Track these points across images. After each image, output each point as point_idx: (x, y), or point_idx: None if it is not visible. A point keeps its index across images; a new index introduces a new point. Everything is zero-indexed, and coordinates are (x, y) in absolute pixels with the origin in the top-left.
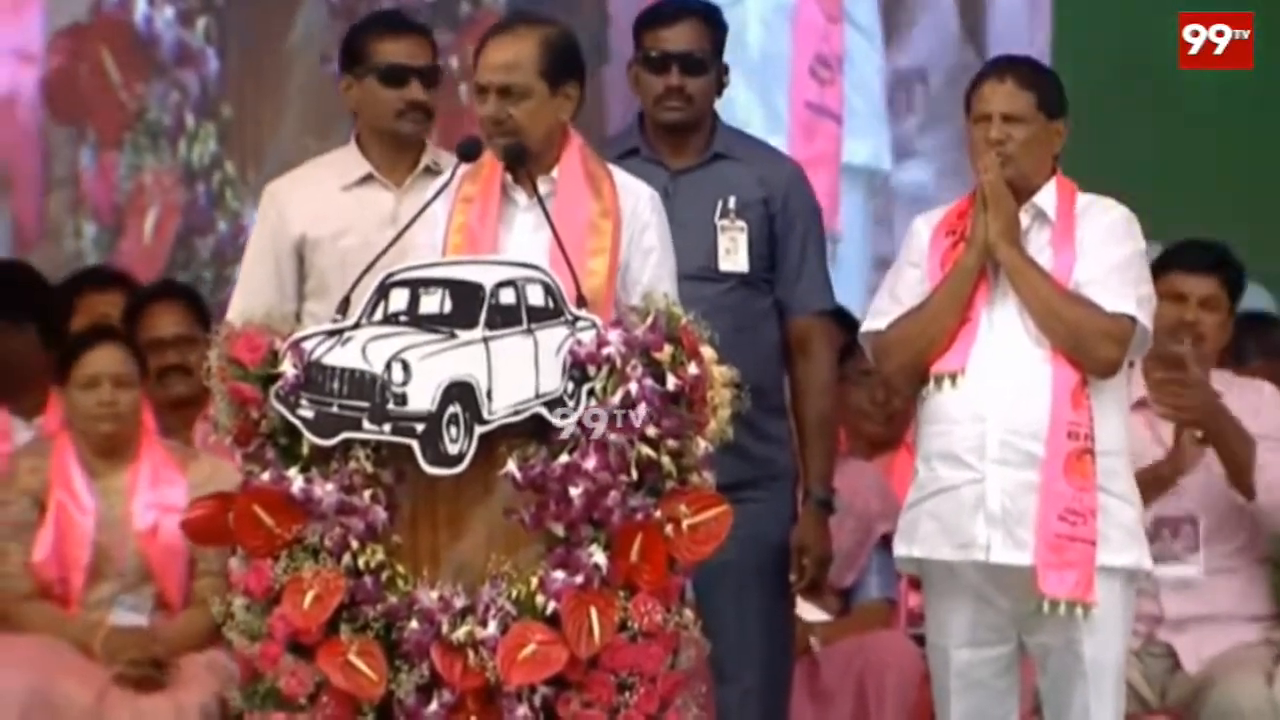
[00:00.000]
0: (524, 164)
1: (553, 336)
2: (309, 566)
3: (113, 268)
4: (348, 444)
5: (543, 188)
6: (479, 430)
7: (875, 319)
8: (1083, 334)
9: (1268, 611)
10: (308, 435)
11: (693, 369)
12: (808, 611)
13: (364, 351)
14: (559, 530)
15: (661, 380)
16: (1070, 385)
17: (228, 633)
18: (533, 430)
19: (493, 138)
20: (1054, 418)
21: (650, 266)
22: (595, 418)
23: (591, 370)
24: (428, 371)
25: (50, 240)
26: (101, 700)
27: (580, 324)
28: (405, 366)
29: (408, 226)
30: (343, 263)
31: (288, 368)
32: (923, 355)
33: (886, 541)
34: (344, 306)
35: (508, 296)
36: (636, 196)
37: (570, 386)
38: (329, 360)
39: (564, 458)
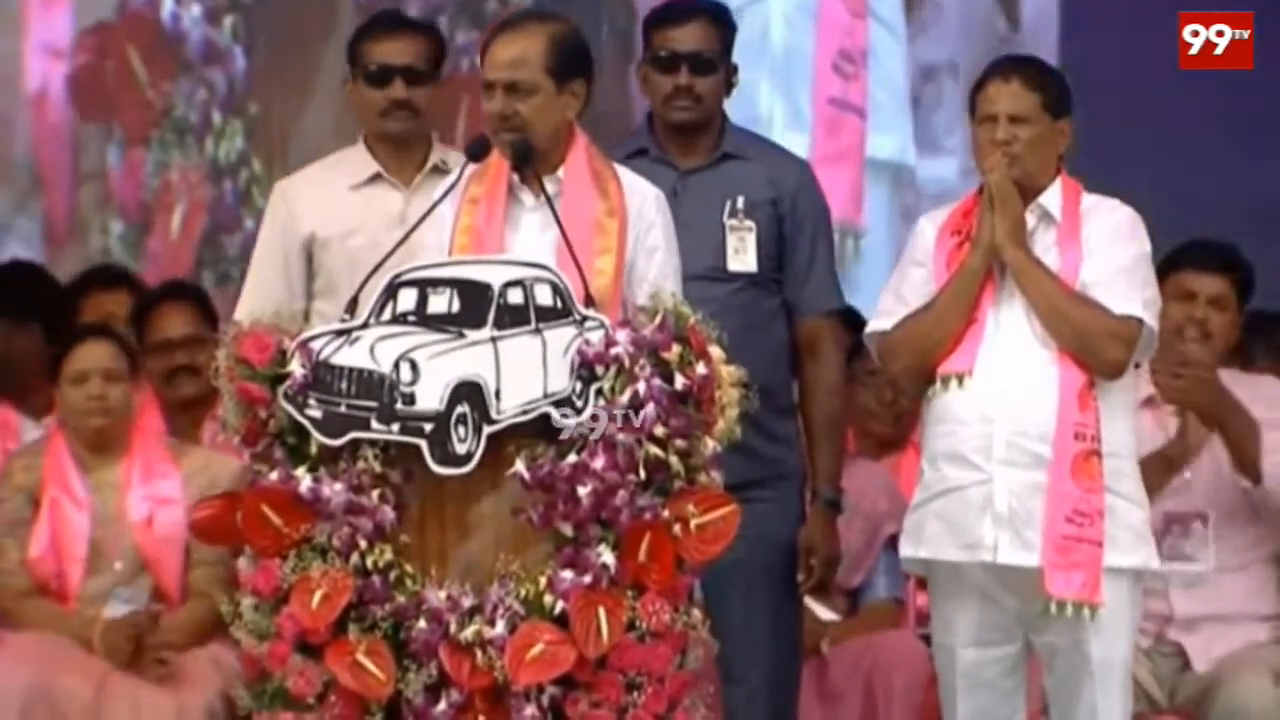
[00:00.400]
0: (531, 163)
1: (561, 336)
2: (317, 566)
3: (120, 267)
4: (356, 444)
5: (549, 187)
6: (487, 430)
7: (881, 319)
8: (1089, 335)
9: (1277, 611)
10: (316, 435)
11: (701, 369)
12: (822, 611)
13: (372, 351)
14: (567, 530)
15: (670, 380)
16: (1077, 386)
17: (235, 632)
18: (541, 430)
19: (499, 134)
20: (1061, 419)
21: (655, 265)
22: (599, 417)
23: (600, 370)
24: (436, 371)
25: (80, 237)
26: (101, 695)
27: (588, 324)
28: (413, 366)
29: (415, 227)
30: (351, 262)
31: (296, 367)
32: (929, 356)
33: (894, 541)
34: (352, 306)
35: (516, 296)
36: (642, 196)
37: (578, 386)
38: (337, 360)
39: (572, 457)
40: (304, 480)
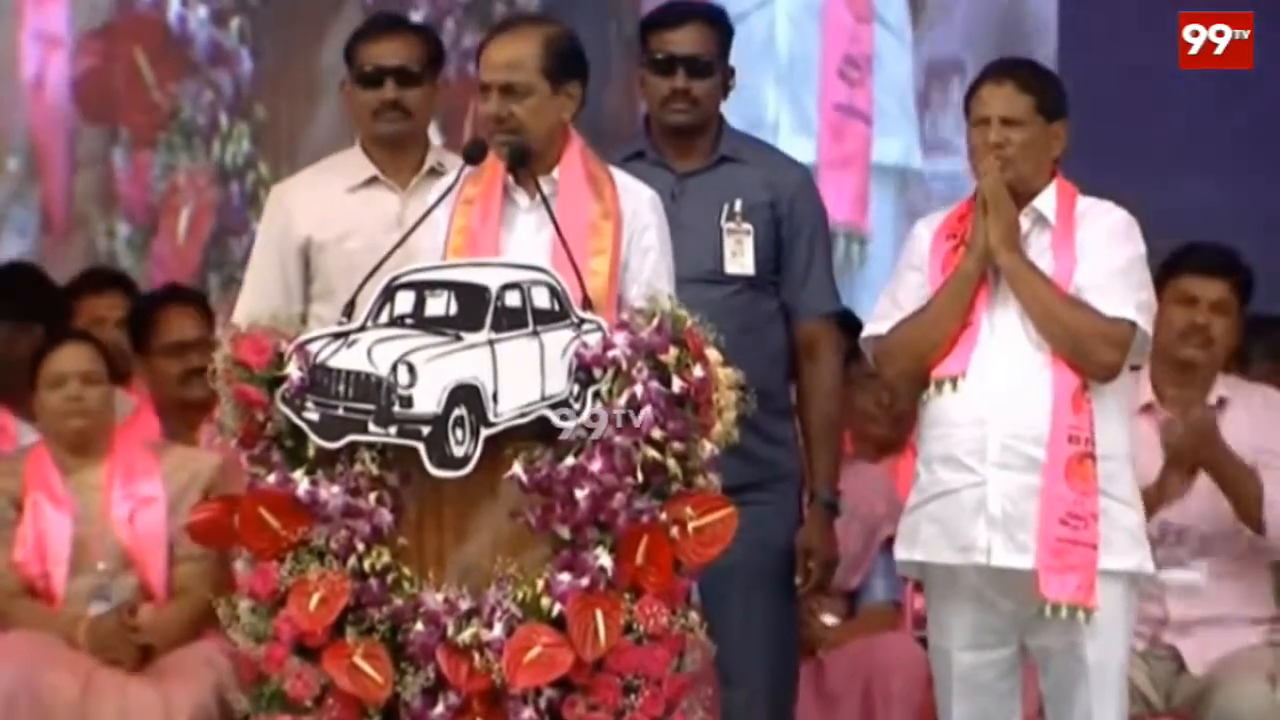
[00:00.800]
0: (526, 165)
1: (558, 339)
2: (315, 569)
3: (112, 270)
4: (353, 446)
5: (544, 188)
6: (485, 433)
7: (877, 323)
8: (1082, 338)
9: (1272, 614)
10: (313, 438)
11: (698, 371)
12: (827, 615)
13: (370, 354)
14: (565, 533)
15: (667, 383)
16: (1071, 389)
17: (232, 634)
18: (538, 433)
19: (494, 135)
20: (1055, 422)
21: (648, 265)
22: (600, 420)
23: (597, 373)
24: (433, 374)
25: (78, 229)
26: (88, 693)
27: (586, 326)
28: (411, 369)
29: (412, 230)
30: (349, 265)
31: (293, 370)
32: (924, 360)
33: (892, 544)
34: (349, 309)
35: (513, 299)
36: (637, 198)
37: (576, 389)
38: (335, 363)
39: (570, 460)
40: (301, 483)
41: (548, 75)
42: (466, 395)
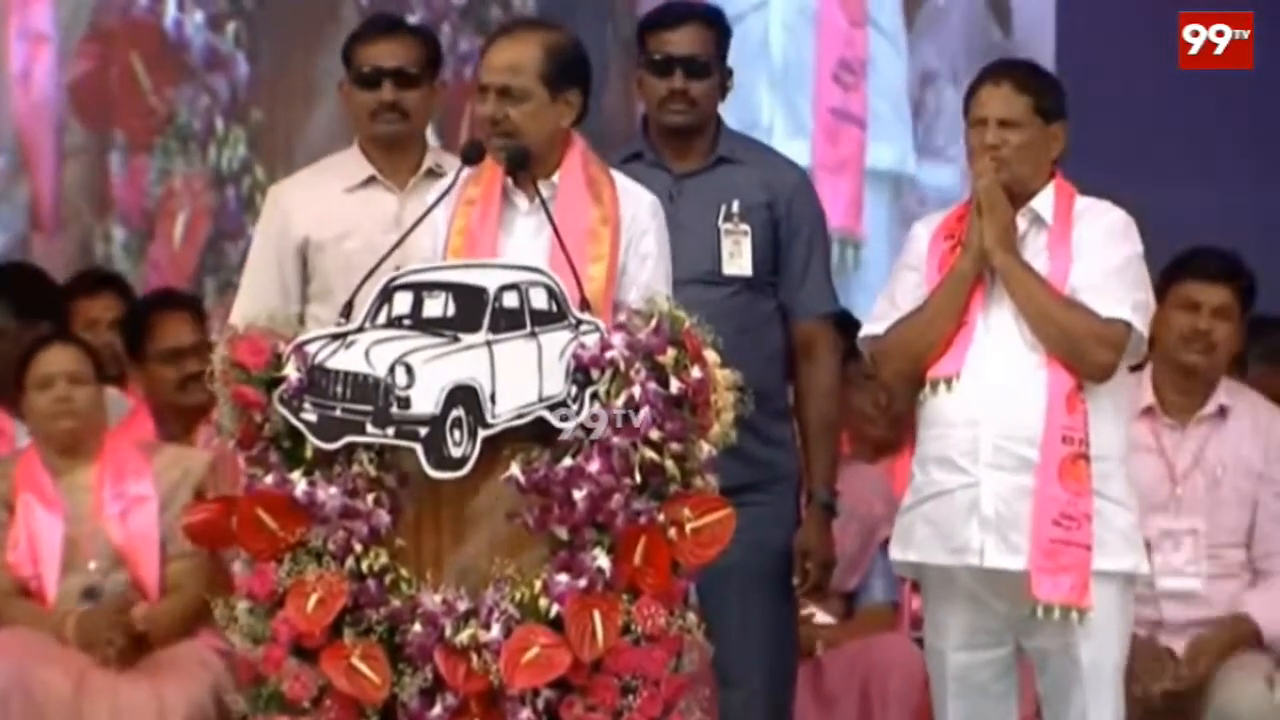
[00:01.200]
0: (525, 168)
1: (556, 340)
2: (312, 570)
3: (104, 271)
4: (351, 447)
5: (543, 192)
6: (482, 434)
7: (874, 323)
8: (1076, 339)
9: None
10: (311, 439)
11: (696, 372)
12: (820, 616)
13: (367, 355)
14: (562, 533)
15: (665, 384)
16: (1065, 390)
17: (230, 635)
18: (536, 434)
19: (490, 138)
20: (1048, 422)
21: (646, 271)
22: (598, 420)
23: (595, 374)
24: (431, 375)
25: (66, 228)
26: (80, 691)
27: (583, 327)
28: (409, 370)
29: (410, 230)
30: (346, 266)
31: (291, 371)
32: (919, 360)
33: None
34: (347, 310)
35: (511, 300)
36: (637, 201)
37: (574, 390)
38: (332, 364)
39: (567, 461)
40: (299, 484)
41: (547, 81)
42: (464, 396)
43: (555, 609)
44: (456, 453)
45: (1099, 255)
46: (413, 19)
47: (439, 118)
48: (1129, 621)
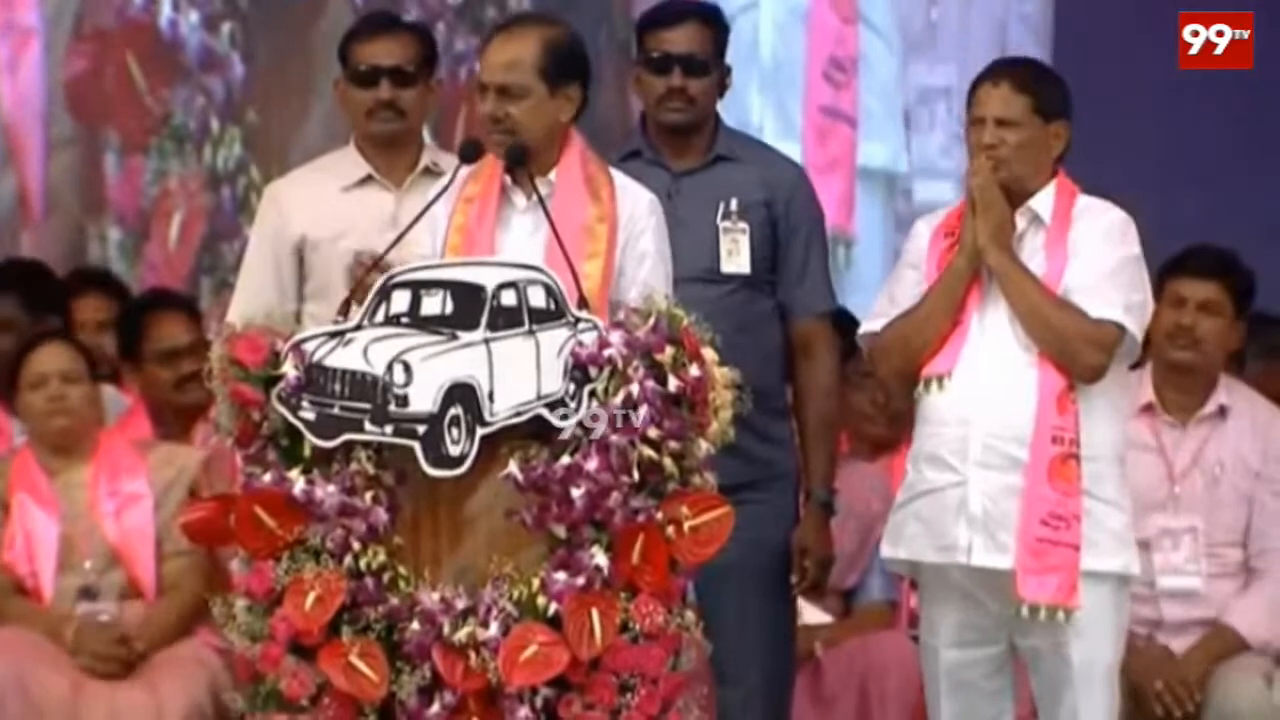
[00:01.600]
0: (524, 164)
1: (554, 338)
2: (310, 568)
3: (95, 269)
4: (349, 445)
5: (541, 189)
6: (480, 432)
7: (873, 321)
8: (1067, 340)
9: None
10: (309, 437)
11: (694, 370)
12: (811, 615)
13: (365, 353)
14: (560, 532)
15: (663, 382)
16: (1056, 390)
17: (229, 634)
18: (534, 432)
19: (491, 136)
20: (1038, 422)
21: (644, 270)
22: (596, 419)
23: (593, 372)
24: (429, 373)
25: (54, 222)
26: (78, 691)
27: (581, 325)
28: (407, 368)
29: (408, 229)
30: (343, 264)
31: (289, 369)
32: (915, 358)
33: None
34: (345, 308)
35: (509, 298)
36: (635, 200)
37: (572, 388)
38: (330, 362)
39: (566, 459)
40: (297, 482)
41: (545, 77)
42: (462, 394)
43: (553, 607)
44: (454, 451)
45: (1094, 256)
46: (407, 18)
47: (433, 118)
48: (1123, 622)
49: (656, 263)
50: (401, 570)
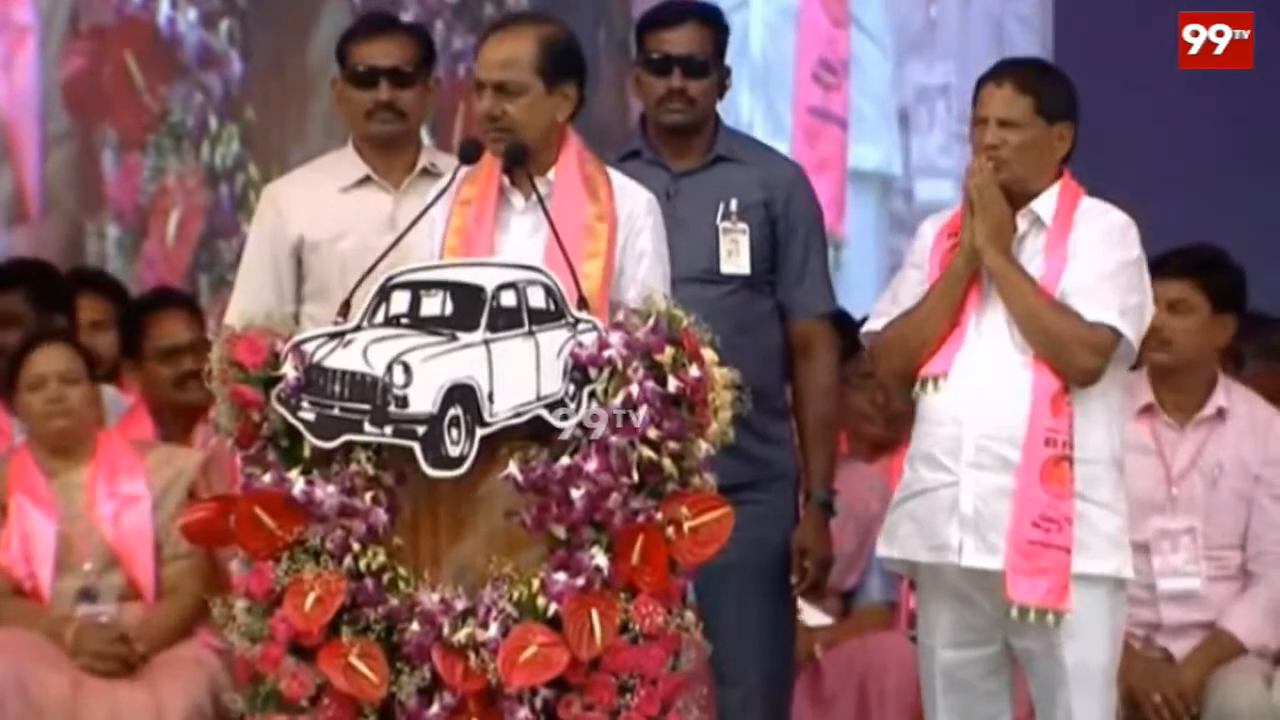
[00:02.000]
0: (523, 163)
1: (554, 339)
2: (310, 568)
3: (92, 269)
4: (349, 446)
5: (539, 189)
6: (480, 432)
7: (876, 319)
8: (1062, 342)
9: None
10: (309, 437)
11: (694, 371)
12: (810, 616)
13: (365, 354)
14: (560, 532)
15: (663, 382)
16: (1050, 392)
17: (228, 634)
18: (534, 432)
19: (488, 134)
20: (1032, 423)
21: (643, 269)
22: (596, 419)
23: (593, 372)
24: (429, 374)
25: (52, 220)
26: (78, 691)
27: (581, 326)
28: (406, 369)
29: (408, 230)
30: (342, 265)
31: (289, 370)
32: (914, 358)
33: None
34: (345, 309)
35: (509, 299)
36: (633, 199)
37: (571, 388)
38: (330, 363)
39: (565, 460)
40: (297, 483)
41: (542, 75)
42: (462, 395)
43: (553, 608)
44: (454, 452)
45: (1092, 258)
46: (406, 17)
47: (431, 118)
48: (1119, 625)
49: (655, 262)
50: (401, 571)
